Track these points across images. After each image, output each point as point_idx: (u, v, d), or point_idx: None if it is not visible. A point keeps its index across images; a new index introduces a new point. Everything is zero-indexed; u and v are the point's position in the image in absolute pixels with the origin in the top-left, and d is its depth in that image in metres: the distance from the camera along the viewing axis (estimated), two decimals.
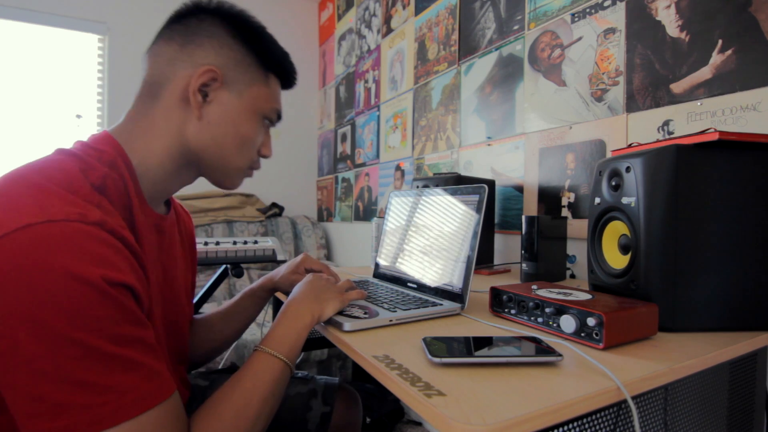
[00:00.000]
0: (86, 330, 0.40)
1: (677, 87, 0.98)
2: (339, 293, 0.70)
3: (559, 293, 0.65)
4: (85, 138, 0.56)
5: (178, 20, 0.60)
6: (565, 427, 0.42)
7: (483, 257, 1.27)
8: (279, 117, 0.68)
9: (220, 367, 0.99)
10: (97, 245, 0.42)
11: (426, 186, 1.29)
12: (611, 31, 1.12)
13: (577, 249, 1.18)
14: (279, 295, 0.99)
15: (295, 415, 0.82)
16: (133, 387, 0.42)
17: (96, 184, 0.48)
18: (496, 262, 1.45)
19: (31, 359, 0.39)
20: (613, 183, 0.73)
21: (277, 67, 0.65)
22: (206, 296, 1.28)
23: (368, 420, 1.71)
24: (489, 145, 1.53)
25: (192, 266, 0.77)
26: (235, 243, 1.18)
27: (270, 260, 1.21)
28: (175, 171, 0.60)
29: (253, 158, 0.66)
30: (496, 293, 0.72)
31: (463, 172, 1.61)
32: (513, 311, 0.69)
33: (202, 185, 2.67)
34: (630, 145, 0.77)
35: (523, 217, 1.05)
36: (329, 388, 0.86)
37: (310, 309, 0.64)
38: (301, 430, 0.82)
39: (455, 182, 1.25)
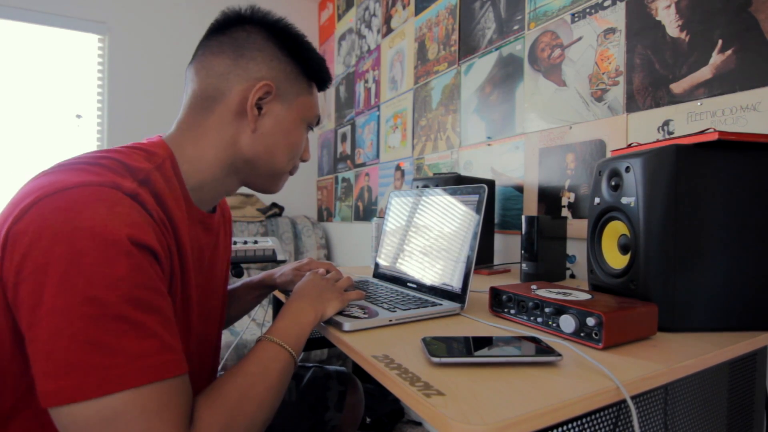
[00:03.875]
0: (105, 288, 0.40)
1: (677, 87, 0.98)
2: (339, 293, 0.71)
3: (559, 293, 0.65)
4: (140, 140, 0.59)
5: (223, 31, 0.62)
6: (565, 427, 0.42)
7: (483, 257, 1.27)
8: (319, 122, 0.71)
9: (219, 367, 1.00)
10: (128, 209, 0.44)
11: (426, 186, 1.29)
12: (611, 31, 1.12)
13: (576, 249, 1.18)
14: (278, 294, 0.99)
15: (317, 393, 0.91)
16: (144, 354, 0.42)
17: (139, 177, 0.50)
18: (495, 262, 1.45)
19: (51, 314, 0.39)
20: (613, 183, 0.73)
21: (317, 75, 0.68)
22: None
23: (368, 420, 1.71)
24: (489, 145, 1.53)
25: (229, 255, 0.81)
26: (235, 243, 1.18)
27: (270, 260, 1.21)
28: (224, 178, 0.63)
29: (296, 163, 0.70)
30: (495, 293, 0.72)
31: (463, 172, 1.61)
32: (513, 311, 0.69)
33: None
34: (630, 145, 0.77)
35: (523, 217, 1.05)
36: (341, 373, 0.96)
37: (313, 307, 0.65)
38: (323, 406, 0.90)
39: (455, 182, 1.25)
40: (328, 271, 0.81)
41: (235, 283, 0.93)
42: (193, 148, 0.60)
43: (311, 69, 0.66)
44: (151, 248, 0.45)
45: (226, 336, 1.72)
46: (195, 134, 0.61)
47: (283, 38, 0.63)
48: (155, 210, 0.49)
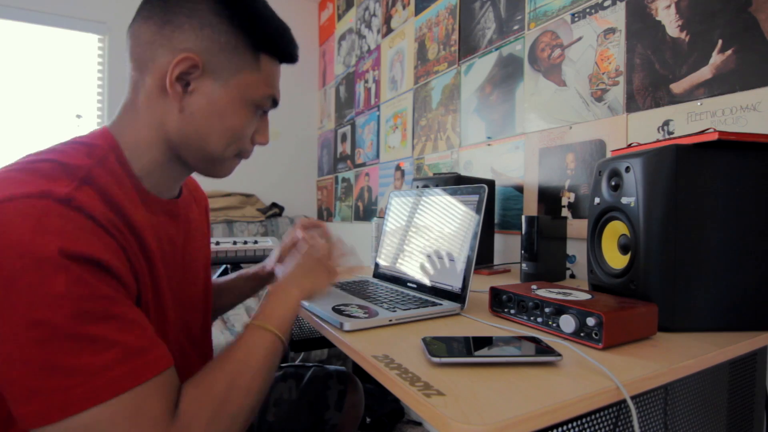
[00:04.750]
0: (47, 309, 0.38)
1: (677, 87, 0.98)
2: (327, 268, 0.69)
3: (559, 293, 0.65)
4: (85, 134, 0.56)
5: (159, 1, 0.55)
6: (565, 427, 0.42)
7: (483, 257, 1.27)
8: (275, 102, 0.62)
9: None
10: (58, 219, 0.40)
11: (426, 186, 1.28)
12: (611, 31, 1.12)
13: (576, 249, 1.18)
14: None
15: (317, 393, 0.91)
16: (106, 368, 0.40)
17: (79, 176, 0.46)
18: (495, 262, 1.45)
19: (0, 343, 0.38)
20: (613, 183, 0.73)
21: (270, 45, 0.58)
22: None
23: (368, 420, 1.71)
24: (489, 145, 1.53)
25: (208, 239, 0.77)
26: (235, 243, 1.18)
27: None
28: (167, 162, 0.58)
29: (243, 148, 0.61)
30: (495, 293, 0.72)
31: (463, 172, 1.61)
32: (513, 311, 0.69)
33: (202, 185, 2.67)
34: (630, 145, 0.77)
35: (523, 217, 1.05)
36: (341, 372, 0.96)
37: (298, 284, 0.64)
38: (323, 405, 0.90)
39: (455, 182, 1.25)
40: None
41: (230, 274, 0.93)
42: (132, 131, 0.55)
43: (260, 39, 0.56)
44: (90, 257, 0.41)
45: (226, 336, 1.72)
46: (131, 115, 0.56)
47: (223, 2, 0.54)
48: (100, 211, 0.44)
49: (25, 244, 0.39)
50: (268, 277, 0.87)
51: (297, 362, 1.06)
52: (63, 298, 0.39)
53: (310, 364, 0.98)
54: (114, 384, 0.41)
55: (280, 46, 0.59)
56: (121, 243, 0.46)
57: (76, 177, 0.45)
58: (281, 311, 0.60)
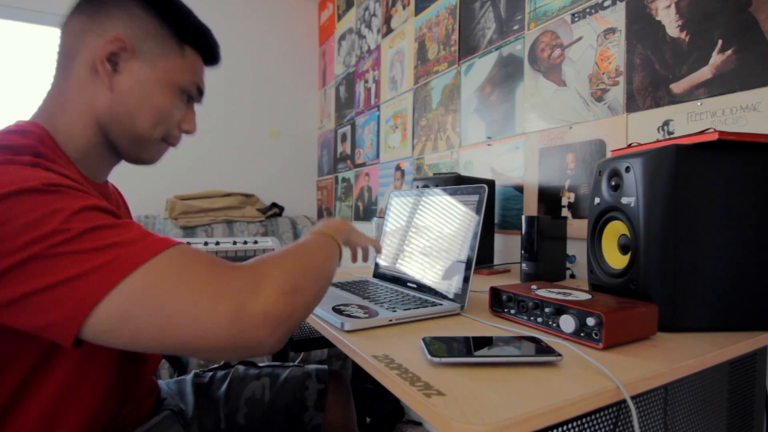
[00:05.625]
0: (54, 220, 0.40)
1: (677, 87, 0.98)
2: (358, 233, 0.76)
3: (559, 293, 0.65)
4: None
5: None
6: (565, 427, 0.42)
7: (483, 257, 1.27)
8: (200, 92, 0.67)
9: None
10: (32, 172, 0.43)
11: (426, 186, 1.29)
12: (611, 31, 1.12)
13: (576, 249, 1.18)
14: None
15: (294, 394, 0.87)
16: (136, 239, 0.42)
17: (30, 152, 0.48)
18: (496, 262, 1.45)
19: (25, 261, 0.38)
20: (613, 183, 0.73)
21: (193, 39, 0.64)
22: None
23: (368, 420, 1.71)
24: (489, 145, 1.53)
25: None
26: (235, 243, 1.18)
27: None
28: (99, 145, 0.60)
29: (169, 132, 0.64)
30: (495, 293, 0.72)
31: (463, 172, 1.61)
32: (513, 311, 0.69)
33: (202, 185, 2.68)
34: (630, 145, 0.77)
35: (523, 217, 1.05)
36: (321, 371, 0.92)
37: (345, 226, 0.70)
38: (301, 406, 0.87)
39: (455, 182, 1.25)
40: None
41: None
42: (60, 117, 0.57)
43: (184, 32, 0.62)
44: (72, 186, 0.44)
45: None
46: (60, 100, 0.58)
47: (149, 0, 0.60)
48: (61, 178, 0.47)
49: (11, 185, 0.40)
50: None
51: (297, 362, 1.03)
52: (65, 209, 0.41)
53: (289, 364, 0.94)
54: (148, 248, 0.41)
55: (202, 40, 0.65)
56: None
57: (29, 152, 0.47)
58: (338, 231, 0.65)
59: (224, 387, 0.85)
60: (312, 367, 0.93)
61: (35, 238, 0.39)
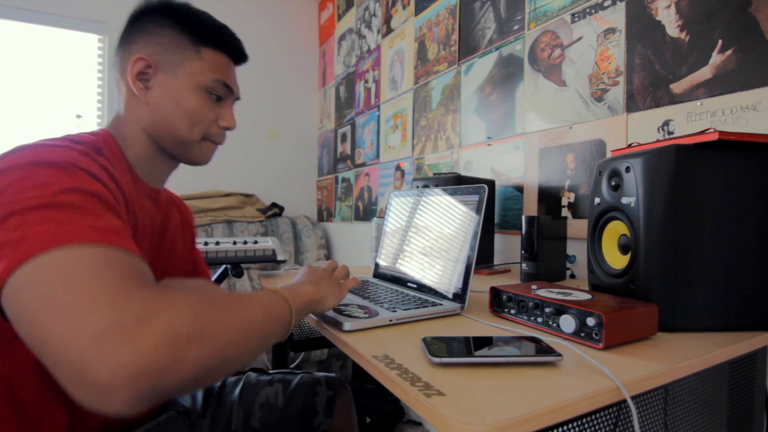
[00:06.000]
0: (40, 189, 0.43)
1: (677, 87, 0.98)
2: (337, 282, 0.68)
3: (559, 293, 0.65)
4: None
5: (123, 32, 0.69)
6: (565, 427, 0.42)
7: (483, 257, 1.27)
8: (228, 88, 0.71)
9: None
10: (76, 154, 0.49)
11: (426, 186, 1.29)
12: (611, 31, 1.12)
13: (577, 249, 1.18)
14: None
15: (305, 399, 0.89)
16: (96, 226, 0.42)
17: (91, 146, 0.55)
18: (496, 262, 1.45)
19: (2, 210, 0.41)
20: (613, 183, 0.73)
21: (208, 39, 0.68)
22: None
23: (368, 420, 1.71)
24: (489, 145, 1.53)
25: (190, 247, 0.85)
26: (235, 243, 1.18)
27: (270, 260, 1.21)
28: (153, 153, 0.68)
29: (207, 130, 0.70)
30: (495, 293, 0.72)
31: (463, 172, 1.61)
32: (513, 311, 0.69)
33: (202, 185, 2.68)
34: (630, 145, 0.77)
35: (523, 217, 1.05)
36: (330, 378, 0.94)
37: (312, 285, 0.62)
38: (312, 411, 0.88)
39: (455, 182, 1.25)
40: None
41: (234, 285, 0.94)
42: (122, 129, 0.67)
43: (197, 34, 0.67)
44: (94, 173, 0.48)
45: None
46: (119, 121, 0.67)
47: (162, 12, 0.67)
48: (106, 172, 0.52)
49: (49, 159, 0.46)
50: None
51: (293, 366, 1.04)
52: (57, 183, 0.44)
53: (298, 372, 0.96)
54: (94, 232, 0.41)
55: (218, 39, 0.69)
56: (119, 200, 0.53)
57: (90, 147, 0.55)
58: (297, 295, 0.56)
59: (237, 391, 0.87)
60: (320, 374, 0.95)
61: (17, 198, 0.42)
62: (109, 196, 0.49)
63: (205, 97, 0.68)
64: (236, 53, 0.72)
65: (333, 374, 0.96)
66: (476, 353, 0.50)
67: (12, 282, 0.37)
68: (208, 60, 0.68)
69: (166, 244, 0.74)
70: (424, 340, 0.54)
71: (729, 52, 0.89)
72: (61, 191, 0.43)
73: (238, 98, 0.75)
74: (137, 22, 0.67)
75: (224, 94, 0.71)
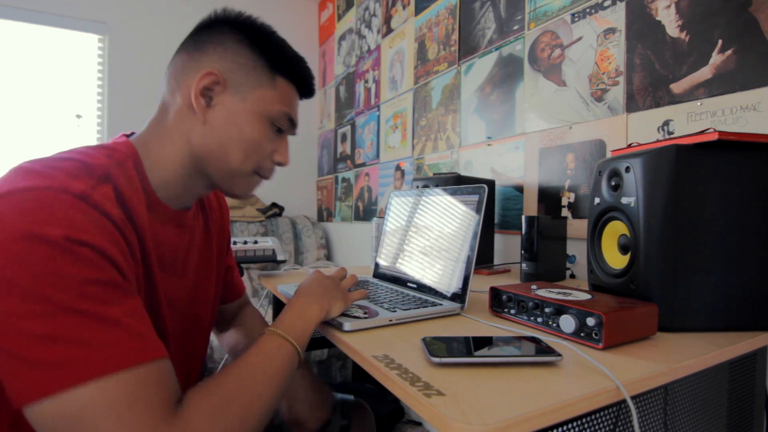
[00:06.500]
0: (52, 287, 0.40)
1: (677, 87, 0.98)
2: (344, 293, 0.70)
3: (559, 293, 0.65)
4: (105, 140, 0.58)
5: (193, 36, 0.62)
6: (565, 427, 0.42)
7: (483, 257, 1.27)
8: (292, 123, 0.66)
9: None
10: (72, 211, 0.43)
11: (426, 186, 1.29)
12: (611, 31, 1.12)
13: (576, 249, 1.18)
14: (278, 294, 0.99)
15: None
16: (105, 343, 0.40)
17: (97, 173, 0.49)
18: (496, 262, 1.45)
19: (2, 315, 0.39)
20: (613, 183, 0.73)
21: (285, 69, 0.63)
22: None
23: None
24: (489, 145, 1.53)
25: (220, 256, 0.78)
26: (235, 243, 1.18)
27: (270, 260, 1.21)
28: (188, 176, 0.61)
29: (260, 164, 0.64)
30: (495, 293, 0.72)
31: (463, 172, 1.61)
32: (513, 311, 0.69)
33: None
34: (630, 145, 0.77)
35: (523, 217, 1.05)
36: (346, 404, 0.86)
37: (318, 303, 0.65)
38: None
39: (455, 182, 1.25)
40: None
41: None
42: (157, 146, 0.60)
43: (275, 61, 0.62)
44: (97, 247, 0.43)
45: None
46: (158, 132, 0.60)
47: (244, 30, 0.61)
48: (114, 209, 0.47)
49: (35, 228, 0.40)
50: None
51: None
52: (70, 278, 0.40)
53: None
54: (115, 360, 0.40)
55: (295, 70, 0.64)
56: (129, 241, 0.48)
57: (95, 175, 0.48)
58: (302, 324, 0.61)
59: None
60: (338, 397, 0.86)
61: (20, 297, 0.39)
62: (119, 258, 0.45)
63: (268, 128, 0.63)
64: (307, 88, 0.68)
65: (350, 397, 0.86)
66: (476, 353, 0.50)
67: (43, 407, 0.39)
68: (279, 90, 0.63)
69: (191, 266, 0.68)
70: (424, 340, 0.54)
71: (729, 52, 0.89)
72: (74, 294, 0.40)
73: (294, 134, 0.70)
74: (212, 32, 0.61)
75: (286, 128, 0.66)
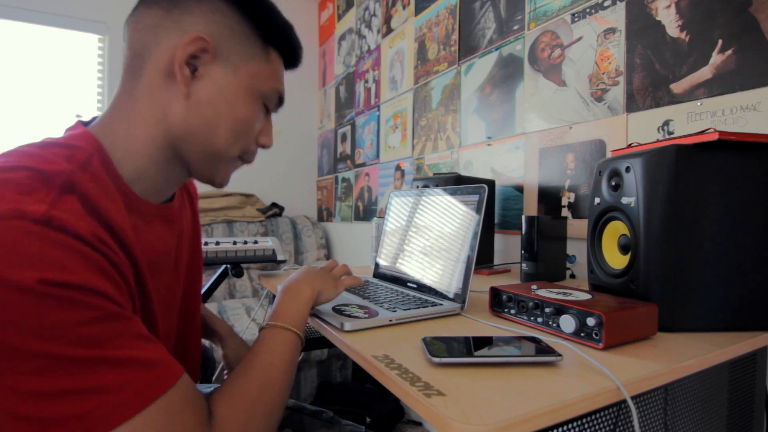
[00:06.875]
0: (43, 340, 0.35)
1: (677, 87, 0.98)
2: (334, 278, 0.70)
3: (559, 293, 0.65)
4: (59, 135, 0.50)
5: None
6: (565, 427, 0.42)
7: (483, 257, 1.27)
8: (281, 101, 0.59)
9: (217, 373, 1.00)
10: (37, 244, 0.35)
11: (426, 186, 1.29)
12: (611, 31, 1.12)
13: (577, 249, 1.18)
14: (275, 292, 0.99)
15: None
16: (122, 384, 0.37)
17: (58, 183, 0.40)
18: (496, 262, 1.45)
19: None
20: (613, 183, 0.73)
21: (279, 40, 0.56)
22: (206, 296, 1.28)
23: (368, 420, 1.71)
24: (489, 145, 1.53)
25: (197, 246, 0.71)
26: (235, 243, 1.18)
27: (270, 260, 1.21)
28: (164, 162, 0.52)
29: (248, 147, 0.57)
30: (495, 293, 0.72)
31: (463, 172, 1.61)
32: (513, 311, 0.69)
33: (201, 185, 2.67)
34: (630, 145, 0.77)
35: (523, 217, 1.05)
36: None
37: (309, 285, 0.65)
38: None
39: (455, 182, 1.25)
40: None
41: (234, 285, 0.92)
42: (125, 129, 0.50)
43: (270, 31, 0.54)
44: (75, 284, 0.36)
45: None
46: (125, 108, 0.50)
47: None
48: (85, 226, 0.39)
49: (3, 274, 0.34)
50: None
51: (313, 408, 0.82)
52: (58, 326, 0.35)
53: (322, 413, 0.80)
54: (138, 397, 0.38)
55: (289, 41, 0.57)
56: (110, 258, 0.41)
57: (55, 185, 0.40)
58: (296, 308, 0.62)
59: None
60: (347, 427, 0.79)
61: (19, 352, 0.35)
62: (105, 287, 0.39)
63: (259, 105, 0.55)
64: (295, 59, 0.60)
65: (362, 428, 0.80)
66: (476, 353, 0.50)
67: None
68: (273, 64, 0.55)
69: (183, 260, 0.63)
70: (424, 340, 0.54)
71: (729, 52, 0.89)
72: (68, 342, 0.36)
73: (277, 112, 0.62)
74: None
75: (274, 107, 0.59)
